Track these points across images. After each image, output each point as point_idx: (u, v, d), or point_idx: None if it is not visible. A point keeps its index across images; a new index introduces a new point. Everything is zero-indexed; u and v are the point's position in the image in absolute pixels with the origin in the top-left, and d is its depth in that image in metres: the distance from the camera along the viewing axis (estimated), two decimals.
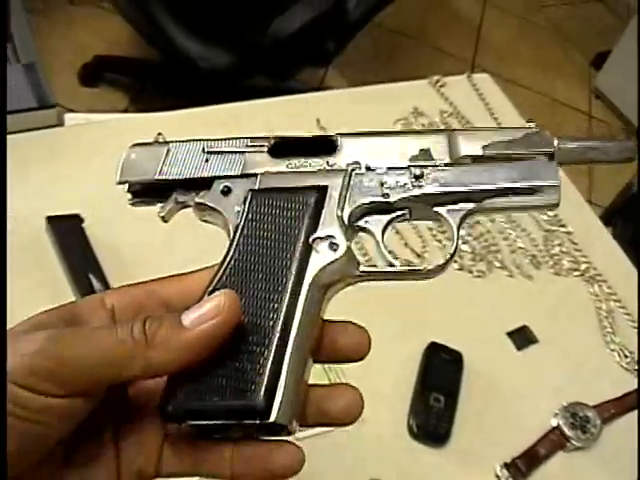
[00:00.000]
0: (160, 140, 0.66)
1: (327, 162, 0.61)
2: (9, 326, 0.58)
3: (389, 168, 0.61)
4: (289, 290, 0.57)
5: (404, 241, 1.35)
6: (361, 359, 0.62)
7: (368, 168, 0.61)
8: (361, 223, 0.62)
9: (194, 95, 1.50)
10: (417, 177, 0.61)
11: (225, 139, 0.64)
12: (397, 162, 0.62)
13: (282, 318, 0.56)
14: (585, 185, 3.29)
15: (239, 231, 0.59)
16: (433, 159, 0.61)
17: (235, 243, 0.59)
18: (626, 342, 1.31)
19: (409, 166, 0.61)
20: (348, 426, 0.59)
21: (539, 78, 3.83)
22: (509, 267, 1.38)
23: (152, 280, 0.61)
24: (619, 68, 3.75)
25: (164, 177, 0.63)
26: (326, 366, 1.14)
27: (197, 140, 0.65)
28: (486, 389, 1.20)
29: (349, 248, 0.59)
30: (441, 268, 0.62)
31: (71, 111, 2.58)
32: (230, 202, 0.61)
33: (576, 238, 1.46)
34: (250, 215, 0.60)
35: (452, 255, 0.61)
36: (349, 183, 0.61)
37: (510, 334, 1.28)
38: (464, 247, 1.37)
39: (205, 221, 0.64)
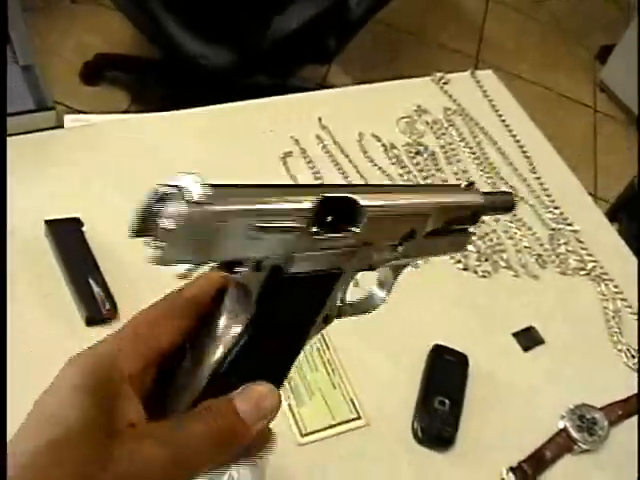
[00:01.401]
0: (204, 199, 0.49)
1: (350, 239, 0.59)
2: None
3: (388, 244, 0.65)
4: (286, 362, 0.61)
5: None
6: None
7: (371, 244, 0.62)
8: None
9: (195, 93, 1.49)
10: (397, 251, 0.66)
11: (275, 188, 0.54)
12: (391, 240, 0.65)
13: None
14: (590, 179, 3.27)
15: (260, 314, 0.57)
16: (413, 237, 0.66)
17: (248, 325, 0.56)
18: (633, 342, 1.30)
19: (396, 245, 0.65)
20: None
21: (543, 73, 3.82)
22: (515, 267, 1.36)
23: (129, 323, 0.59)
24: (624, 61, 3.73)
25: (214, 258, 0.53)
26: (329, 369, 1.13)
27: (249, 203, 0.52)
28: (492, 391, 1.19)
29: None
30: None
31: (72, 109, 2.57)
32: (256, 279, 0.56)
33: (582, 237, 1.44)
34: (269, 297, 0.57)
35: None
36: (357, 260, 0.62)
37: (516, 335, 1.27)
38: (469, 247, 1.36)
39: None
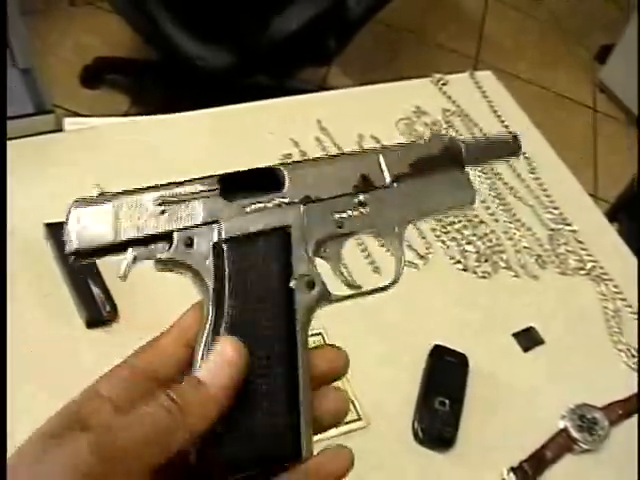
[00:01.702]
0: (101, 196, 0.61)
1: (280, 198, 0.62)
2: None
3: (336, 197, 0.65)
4: (285, 333, 0.60)
5: (407, 242, 1.33)
6: (338, 378, 0.64)
7: (318, 199, 0.64)
8: (320, 252, 0.65)
9: (194, 95, 1.49)
10: (362, 204, 0.65)
11: (173, 183, 0.62)
12: (342, 190, 0.65)
13: (287, 360, 0.59)
14: (590, 180, 3.28)
15: (219, 283, 0.59)
16: (372, 184, 0.66)
17: (216, 296, 0.59)
18: (633, 342, 1.30)
19: (354, 193, 0.65)
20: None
21: (543, 73, 3.82)
22: (514, 267, 1.36)
23: (128, 357, 0.60)
24: (623, 61, 3.73)
25: (121, 239, 0.58)
26: None
27: (144, 190, 0.61)
28: (492, 392, 1.19)
29: (323, 283, 0.63)
30: (396, 281, 0.70)
31: (71, 113, 2.57)
32: (196, 254, 0.60)
33: (582, 237, 1.44)
34: (226, 265, 0.59)
35: (401, 267, 0.70)
36: (306, 219, 0.63)
37: (516, 335, 1.27)
38: (468, 247, 1.36)
39: (165, 270, 0.61)
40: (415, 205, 0.68)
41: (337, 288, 0.64)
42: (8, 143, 1.28)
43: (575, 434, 1.15)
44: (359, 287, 0.67)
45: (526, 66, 3.75)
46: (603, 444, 1.16)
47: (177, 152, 1.37)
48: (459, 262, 1.34)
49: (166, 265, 0.60)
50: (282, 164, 0.64)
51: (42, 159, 1.30)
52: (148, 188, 0.60)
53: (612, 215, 2.20)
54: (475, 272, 1.34)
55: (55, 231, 1.17)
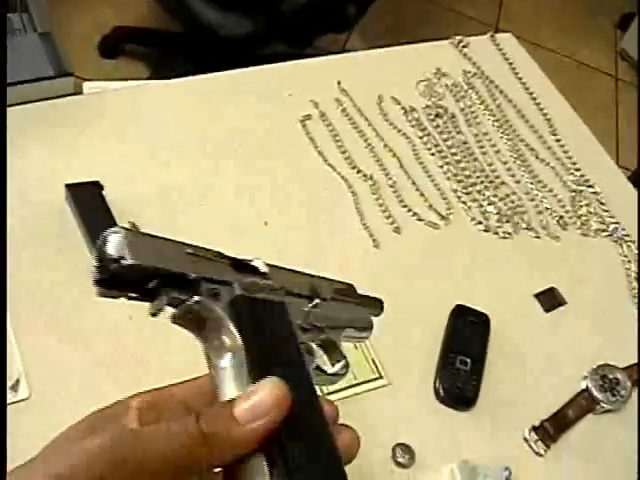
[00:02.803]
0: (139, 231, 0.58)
1: (269, 282, 0.66)
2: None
3: (301, 295, 0.71)
4: (309, 394, 0.61)
5: (428, 203, 1.33)
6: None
7: (292, 293, 0.69)
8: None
9: (215, 64, 1.48)
10: (315, 306, 0.71)
11: (195, 246, 0.62)
12: (304, 291, 0.71)
13: (313, 408, 0.60)
14: (612, 147, 3.25)
15: (246, 337, 0.59)
16: (319, 295, 0.73)
17: (247, 346, 0.58)
18: None
19: (311, 297, 0.72)
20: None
21: (564, 41, 3.79)
22: (536, 228, 1.36)
23: (170, 385, 0.61)
24: None
25: (170, 268, 0.57)
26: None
27: (173, 241, 0.60)
28: (513, 352, 1.19)
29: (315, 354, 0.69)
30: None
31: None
32: (220, 306, 0.59)
33: (604, 198, 1.43)
34: (249, 320, 0.60)
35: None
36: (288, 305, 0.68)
37: (537, 296, 1.26)
38: (490, 208, 1.35)
39: (178, 323, 0.59)
40: (335, 318, 0.75)
41: None
42: (28, 106, 1.28)
43: (597, 394, 1.15)
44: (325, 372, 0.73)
45: (548, 34, 3.72)
46: (625, 404, 1.16)
47: (196, 114, 1.37)
48: (480, 223, 1.33)
49: (186, 316, 0.58)
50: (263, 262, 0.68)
51: (62, 122, 1.30)
52: (172, 240, 0.60)
53: (635, 180, 2.18)
54: (496, 233, 1.33)
55: (75, 192, 1.17)
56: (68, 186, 1.17)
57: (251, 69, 1.48)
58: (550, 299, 1.26)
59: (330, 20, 2.71)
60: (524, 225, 1.35)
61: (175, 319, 0.58)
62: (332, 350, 0.74)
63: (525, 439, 1.10)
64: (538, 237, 1.34)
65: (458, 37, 1.66)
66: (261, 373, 0.56)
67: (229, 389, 0.57)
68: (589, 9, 4.06)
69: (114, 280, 0.53)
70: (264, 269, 0.67)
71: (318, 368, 0.70)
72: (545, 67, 1.70)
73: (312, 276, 0.74)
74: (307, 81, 1.49)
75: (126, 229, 0.55)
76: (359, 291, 0.81)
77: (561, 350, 1.21)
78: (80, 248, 1.12)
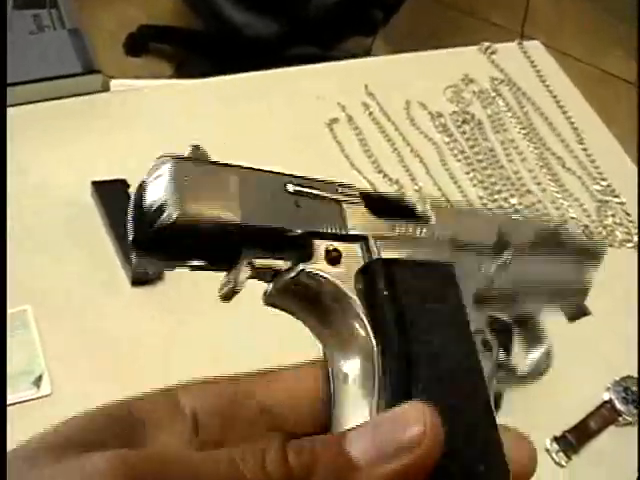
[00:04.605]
0: (204, 159, 0.41)
1: (429, 231, 0.47)
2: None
3: (481, 248, 0.51)
4: (482, 403, 0.43)
5: None
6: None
7: (465, 246, 0.49)
8: None
9: (240, 64, 1.48)
10: (505, 264, 0.52)
11: (300, 177, 0.44)
12: (485, 242, 0.51)
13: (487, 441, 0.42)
14: (634, 155, 3.23)
15: (379, 320, 0.40)
16: (508, 245, 0.53)
17: (384, 346, 0.40)
18: None
19: (496, 251, 0.52)
20: None
21: (588, 49, 3.77)
22: None
23: (234, 377, 0.41)
24: None
25: (252, 222, 0.38)
26: None
27: (268, 172, 0.43)
28: None
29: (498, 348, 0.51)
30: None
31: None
32: (343, 276, 0.41)
33: (629, 209, 1.42)
34: (388, 297, 0.41)
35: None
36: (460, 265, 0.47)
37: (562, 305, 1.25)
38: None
39: (274, 305, 0.42)
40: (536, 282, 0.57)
41: None
42: (55, 103, 1.28)
43: (620, 406, 1.14)
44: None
45: (572, 43, 3.71)
46: None
47: (223, 114, 1.36)
48: None
49: (286, 292, 0.40)
50: (419, 198, 0.49)
51: (88, 120, 1.30)
52: (272, 172, 0.44)
53: None
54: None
55: (101, 189, 1.17)
56: (94, 183, 1.18)
57: (278, 70, 1.48)
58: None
59: (356, 23, 2.71)
60: None
61: (269, 298, 0.41)
62: (527, 332, 0.59)
63: (546, 449, 1.09)
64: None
65: (486, 43, 1.66)
66: (403, 390, 0.39)
67: (350, 411, 0.39)
68: (614, 18, 4.05)
69: (157, 242, 0.37)
70: (423, 210, 0.48)
71: (502, 366, 0.54)
72: (569, 74, 1.69)
73: (494, 215, 0.56)
74: (334, 84, 1.49)
75: (180, 158, 0.39)
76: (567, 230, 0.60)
77: (584, 360, 1.20)
78: (105, 246, 1.13)
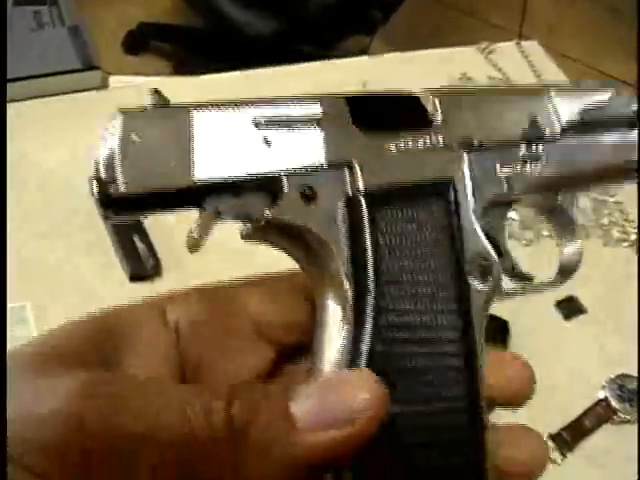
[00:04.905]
0: (165, 106, 0.40)
1: (433, 138, 0.44)
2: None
3: (504, 146, 0.47)
4: (463, 344, 0.43)
5: None
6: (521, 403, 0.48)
7: (481, 146, 0.46)
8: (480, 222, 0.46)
9: (239, 62, 1.49)
10: (534, 158, 0.48)
11: (277, 100, 0.43)
12: (510, 135, 0.47)
13: (466, 384, 0.42)
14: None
15: (356, 260, 0.40)
16: (543, 131, 0.48)
17: (354, 279, 0.40)
18: None
19: (525, 143, 0.48)
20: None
21: (586, 51, 3.78)
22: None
23: (227, 285, 0.44)
24: None
25: (200, 180, 0.38)
26: None
27: (228, 104, 0.40)
28: (532, 359, 1.17)
29: (499, 269, 0.46)
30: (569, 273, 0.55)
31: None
32: (320, 212, 0.40)
33: (626, 208, 1.43)
34: (368, 233, 0.40)
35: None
36: (472, 172, 0.45)
37: (558, 304, 1.26)
38: (512, 214, 1.35)
39: (256, 240, 0.41)
40: (578, 169, 0.51)
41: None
42: (54, 99, 1.29)
43: (615, 404, 1.14)
44: (530, 279, 0.54)
45: (570, 44, 3.71)
46: None
47: None
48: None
49: (267, 231, 0.40)
50: (426, 90, 0.48)
51: (88, 115, 1.30)
52: (238, 103, 0.41)
53: None
54: (518, 239, 1.33)
55: None
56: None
57: (277, 68, 1.49)
58: (570, 307, 1.26)
59: (355, 23, 2.71)
60: (546, 233, 1.35)
61: (245, 237, 0.40)
62: (557, 222, 0.54)
63: None
64: (559, 245, 1.34)
65: (484, 43, 1.66)
66: (365, 343, 0.39)
67: (326, 339, 0.40)
68: (613, 19, 4.05)
69: (114, 205, 0.39)
70: (433, 111, 0.44)
71: (515, 274, 0.50)
72: (568, 75, 1.69)
73: (528, 97, 0.48)
74: (332, 81, 1.49)
75: (134, 110, 0.39)
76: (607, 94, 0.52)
77: (580, 359, 1.20)
78: (104, 242, 1.13)
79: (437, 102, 0.46)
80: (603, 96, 0.52)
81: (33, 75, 1.32)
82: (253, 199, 0.39)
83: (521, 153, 0.47)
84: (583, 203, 1.41)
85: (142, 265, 1.11)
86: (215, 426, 0.34)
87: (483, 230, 0.45)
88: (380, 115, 0.44)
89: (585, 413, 1.14)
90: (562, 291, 1.27)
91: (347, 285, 0.39)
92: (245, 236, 0.40)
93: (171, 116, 0.39)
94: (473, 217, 0.44)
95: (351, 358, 0.39)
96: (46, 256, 1.11)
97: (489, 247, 0.44)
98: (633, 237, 1.39)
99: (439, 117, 0.45)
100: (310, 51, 2.69)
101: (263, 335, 0.43)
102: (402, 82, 1.52)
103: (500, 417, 0.43)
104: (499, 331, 1.18)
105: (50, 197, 1.17)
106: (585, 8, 4.07)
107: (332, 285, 0.40)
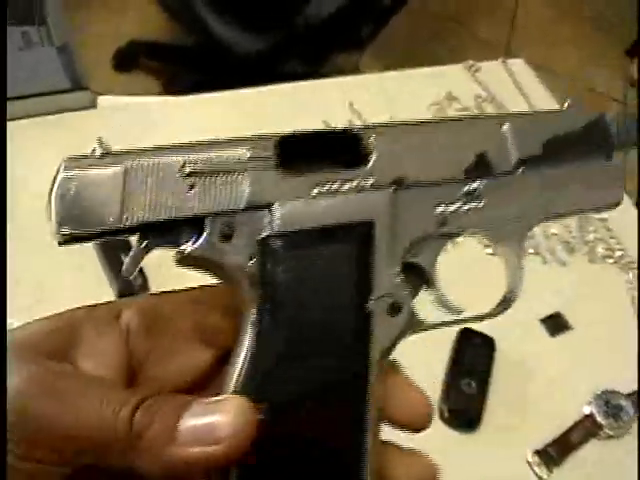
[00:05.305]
0: (105, 156, 0.45)
1: (363, 178, 0.45)
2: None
3: (441, 182, 0.48)
4: (352, 376, 0.46)
5: None
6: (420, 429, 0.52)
7: (416, 183, 0.46)
8: (409, 257, 0.49)
9: (228, 80, 1.50)
10: (475, 195, 0.49)
11: (208, 144, 0.48)
12: (450, 172, 0.48)
13: (352, 412, 0.47)
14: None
15: (264, 297, 0.44)
16: (491, 167, 0.48)
17: (258, 315, 0.44)
18: None
19: (465, 180, 0.48)
20: None
21: (574, 65, 3.80)
22: (543, 253, 1.36)
23: (178, 290, 0.50)
24: None
25: (130, 222, 0.43)
26: None
27: (165, 150, 0.46)
28: (518, 375, 1.19)
29: (412, 307, 0.49)
30: (510, 301, 0.56)
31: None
32: (236, 251, 0.43)
33: (611, 225, 1.44)
34: (277, 273, 0.44)
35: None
36: (398, 211, 0.46)
37: (543, 320, 1.27)
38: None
39: (188, 267, 0.46)
40: (545, 202, 0.51)
41: (421, 307, 0.52)
42: (42, 119, 1.29)
43: (601, 420, 1.15)
44: (459, 311, 0.55)
45: (558, 58, 3.73)
46: (628, 431, 1.16)
47: (210, 130, 1.37)
48: (488, 246, 1.34)
49: (190, 262, 0.44)
50: (365, 127, 0.47)
51: (76, 137, 1.31)
52: (172, 148, 0.46)
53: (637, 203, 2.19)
54: None
55: None
56: None
57: (262, 88, 1.49)
58: (556, 324, 1.27)
59: (344, 39, 2.72)
60: (531, 250, 1.36)
61: (177, 264, 0.45)
62: (504, 253, 0.53)
63: (528, 462, 1.10)
64: (545, 262, 1.35)
65: (470, 61, 1.68)
66: (263, 368, 0.43)
67: (242, 351, 0.44)
68: (599, 34, 4.07)
69: (72, 240, 0.44)
70: (366, 144, 0.45)
71: (444, 305, 0.52)
72: (555, 91, 1.70)
73: (483, 127, 0.48)
74: (319, 101, 1.50)
75: (74, 158, 0.45)
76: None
77: (566, 375, 1.21)
78: (93, 260, 1.14)
79: (373, 140, 0.46)
80: (568, 121, 0.51)
81: (22, 95, 1.33)
82: (181, 234, 0.44)
83: (464, 190, 0.48)
84: (568, 220, 1.42)
85: (130, 283, 1.12)
86: (119, 427, 0.40)
87: (411, 264, 0.48)
88: (311, 156, 0.45)
89: (571, 429, 1.14)
90: (548, 308, 1.28)
91: (253, 314, 0.44)
92: (176, 262, 0.45)
93: (109, 163, 0.44)
94: (388, 256, 0.46)
95: (244, 379, 0.44)
96: (34, 274, 1.12)
97: (400, 284, 0.47)
98: (618, 254, 1.40)
99: (373, 156, 0.46)
100: (299, 69, 2.70)
101: (204, 339, 0.49)
102: (388, 102, 1.54)
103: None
104: (485, 347, 1.19)
105: (38, 216, 1.17)
106: (573, 24, 4.10)
107: (245, 310, 0.44)
